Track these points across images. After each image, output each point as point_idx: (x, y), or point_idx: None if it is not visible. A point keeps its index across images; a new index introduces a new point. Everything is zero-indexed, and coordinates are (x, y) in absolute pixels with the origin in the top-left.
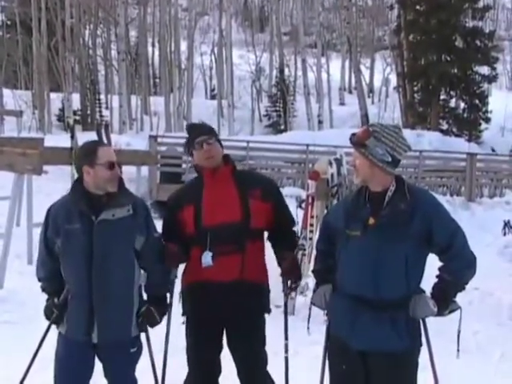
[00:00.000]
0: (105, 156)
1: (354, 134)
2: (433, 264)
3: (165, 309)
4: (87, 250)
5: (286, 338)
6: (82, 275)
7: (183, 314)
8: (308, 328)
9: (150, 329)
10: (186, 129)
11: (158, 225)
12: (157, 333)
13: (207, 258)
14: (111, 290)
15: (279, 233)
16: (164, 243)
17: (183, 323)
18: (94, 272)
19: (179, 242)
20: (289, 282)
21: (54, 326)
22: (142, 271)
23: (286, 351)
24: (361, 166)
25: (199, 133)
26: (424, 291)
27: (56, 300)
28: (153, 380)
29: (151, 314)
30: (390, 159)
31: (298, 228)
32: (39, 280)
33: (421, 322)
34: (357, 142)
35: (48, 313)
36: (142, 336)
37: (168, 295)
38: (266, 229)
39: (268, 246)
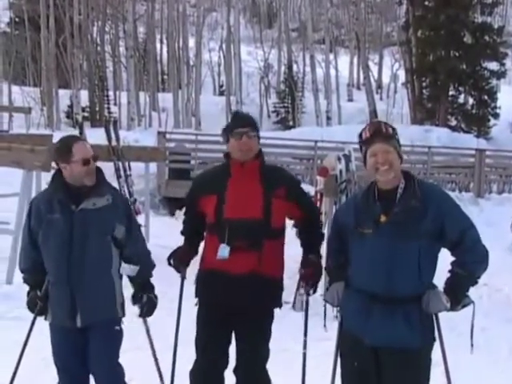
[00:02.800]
0: (79, 153)
1: (379, 131)
2: (445, 259)
3: (154, 290)
4: (67, 238)
5: (305, 335)
6: (61, 262)
7: (196, 296)
8: (325, 326)
9: (156, 324)
10: (231, 115)
11: (167, 221)
12: (163, 327)
13: (224, 252)
14: (89, 274)
15: (305, 233)
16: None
17: (196, 305)
18: (73, 260)
19: (195, 235)
20: (305, 286)
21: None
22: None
23: (305, 347)
24: (395, 160)
25: (242, 123)
26: (436, 286)
27: (38, 292)
28: (157, 374)
29: (152, 301)
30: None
31: None
32: (22, 272)
33: (433, 317)
34: (389, 135)
35: (31, 305)
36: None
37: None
38: (295, 226)
39: (287, 243)
